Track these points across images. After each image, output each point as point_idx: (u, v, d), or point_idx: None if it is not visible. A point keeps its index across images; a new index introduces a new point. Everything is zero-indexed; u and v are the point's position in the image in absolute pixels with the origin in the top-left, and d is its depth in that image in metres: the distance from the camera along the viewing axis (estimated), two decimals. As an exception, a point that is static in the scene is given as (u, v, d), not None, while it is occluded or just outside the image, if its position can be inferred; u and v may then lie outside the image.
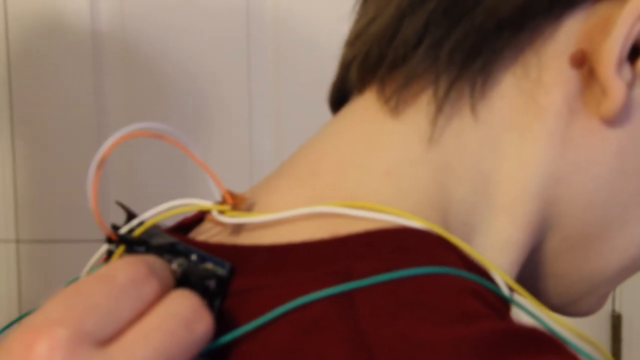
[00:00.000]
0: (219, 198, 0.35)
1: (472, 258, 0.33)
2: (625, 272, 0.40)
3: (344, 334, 0.29)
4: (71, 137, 1.08)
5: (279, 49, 1.05)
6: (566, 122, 0.35)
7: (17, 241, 1.11)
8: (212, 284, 0.31)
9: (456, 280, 0.31)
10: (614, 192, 0.36)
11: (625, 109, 0.34)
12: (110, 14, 1.07)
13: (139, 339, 0.27)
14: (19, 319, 0.29)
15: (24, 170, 1.10)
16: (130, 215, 0.34)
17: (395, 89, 0.35)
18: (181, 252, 0.32)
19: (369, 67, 0.36)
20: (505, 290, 0.33)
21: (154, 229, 0.33)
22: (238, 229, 0.35)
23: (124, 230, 0.33)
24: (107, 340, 0.26)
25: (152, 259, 0.30)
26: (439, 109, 0.35)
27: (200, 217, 0.39)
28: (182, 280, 0.31)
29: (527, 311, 0.33)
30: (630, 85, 0.34)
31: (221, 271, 0.32)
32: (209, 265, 0.32)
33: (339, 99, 0.40)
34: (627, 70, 0.34)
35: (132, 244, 0.32)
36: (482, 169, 0.35)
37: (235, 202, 0.34)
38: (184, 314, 0.28)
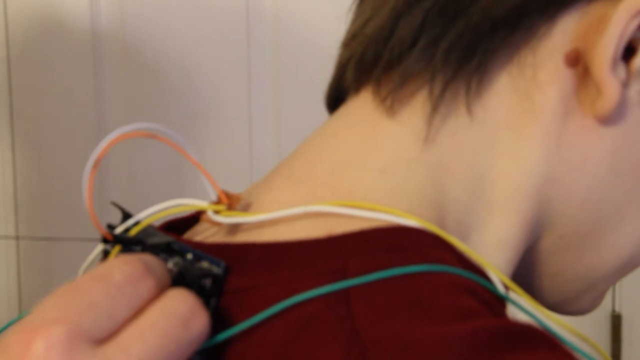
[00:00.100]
0: (214, 198, 0.35)
1: (467, 256, 0.33)
2: (621, 270, 0.40)
3: (338, 332, 0.29)
4: (71, 135, 1.09)
5: (279, 49, 1.05)
6: (561, 121, 0.35)
7: (17, 238, 1.12)
8: (207, 282, 0.31)
9: (451, 278, 0.31)
10: (609, 191, 0.36)
11: (620, 108, 0.34)
12: (110, 14, 1.07)
13: (136, 337, 0.27)
14: (19, 319, 0.29)
15: (24, 168, 1.11)
16: (126, 215, 0.34)
17: (391, 88, 0.35)
18: (177, 251, 0.32)
19: (365, 67, 0.36)
20: (500, 288, 0.33)
21: (150, 229, 0.34)
22: (234, 228, 0.35)
23: (119, 229, 0.33)
24: (103, 339, 0.26)
25: (148, 258, 0.30)
26: (434, 109, 0.35)
27: (192, 217, 0.39)
28: (178, 279, 0.31)
29: (522, 309, 0.33)
30: (625, 84, 0.34)
31: (217, 270, 0.32)
32: (205, 264, 0.32)
33: (336, 99, 0.40)
34: (621, 69, 0.34)
35: (128, 243, 0.32)
36: (477, 168, 0.35)
37: (231, 202, 0.34)
38: (180, 313, 0.28)
